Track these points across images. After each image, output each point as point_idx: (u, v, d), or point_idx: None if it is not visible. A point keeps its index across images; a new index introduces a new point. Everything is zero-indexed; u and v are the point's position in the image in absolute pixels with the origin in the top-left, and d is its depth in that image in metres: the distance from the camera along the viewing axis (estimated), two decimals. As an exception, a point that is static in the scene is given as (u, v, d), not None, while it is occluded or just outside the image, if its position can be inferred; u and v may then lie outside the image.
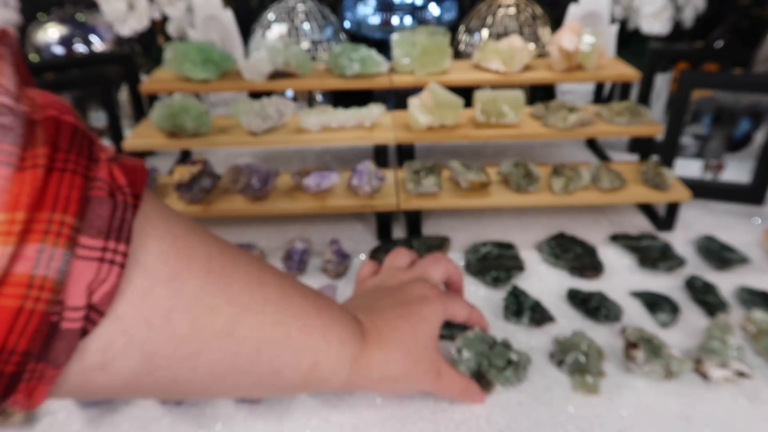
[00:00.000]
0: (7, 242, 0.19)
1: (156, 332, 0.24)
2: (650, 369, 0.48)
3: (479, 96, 0.74)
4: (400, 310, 0.39)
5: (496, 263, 0.64)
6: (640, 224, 0.73)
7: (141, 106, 0.88)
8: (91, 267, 0.21)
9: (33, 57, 1.05)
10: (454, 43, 1.02)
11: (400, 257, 0.47)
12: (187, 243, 0.26)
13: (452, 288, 0.49)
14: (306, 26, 0.99)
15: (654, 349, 0.49)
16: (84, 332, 0.22)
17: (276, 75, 0.81)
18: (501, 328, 0.56)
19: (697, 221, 0.73)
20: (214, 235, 0.30)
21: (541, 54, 0.97)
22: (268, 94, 0.84)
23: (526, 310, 0.56)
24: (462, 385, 0.42)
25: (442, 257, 0.46)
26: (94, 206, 0.22)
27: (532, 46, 0.84)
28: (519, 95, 0.73)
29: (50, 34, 1.06)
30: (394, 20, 1.07)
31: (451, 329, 0.54)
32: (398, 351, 0.37)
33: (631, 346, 0.50)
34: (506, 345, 0.51)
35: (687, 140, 0.86)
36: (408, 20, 1.07)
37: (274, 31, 0.98)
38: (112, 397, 0.27)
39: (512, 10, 0.98)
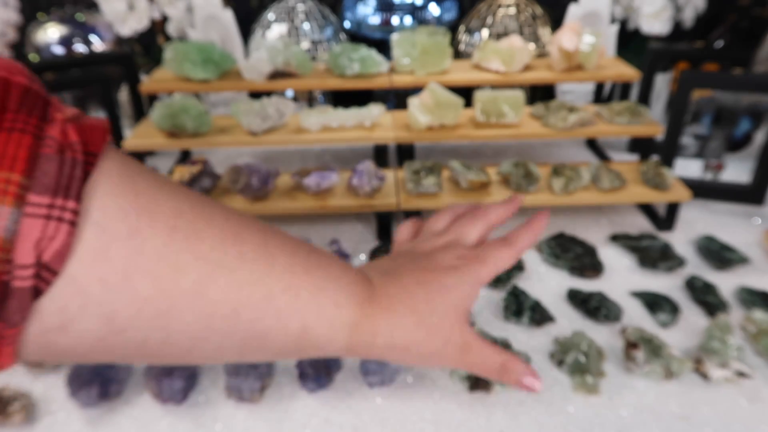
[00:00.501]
0: None
1: (114, 293, 0.24)
2: (650, 369, 0.48)
3: (479, 96, 0.74)
4: (420, 277, 0.35)
5: (496, 263, 0.64)
6: (640, 224, 0.73)
7: (141, 106, 0.88)
8: (38, 224, 0.21)
9: (33, 57, 1.05)
10: (454, 43, 1.02)
11: (440, 220, 0.42)
12: (152, 199, 0.25)
13: (501, 241, 0.40)
14: (306, 26, 0.99)
15: (654, 349, 0.49)
16: (37, 291, 0.22)
17: (276, 75, 0.81)
18: (501, 328, 0.56)
19: (698, 221, 0.73)
20: (191, 193, 0.28)
21: (541, 54, 0.97)
22: (268, 94, 0.84)
23: (526, 310, 0.56)
24: (498, 363, 0.36)
25: (481, 212, 0.41)
26: (42, 164, 0.22)
27: (532, 46, 0.84)
28: (519, 95, 0.73)
29: (50, 34, 1.06)
30: (394, 20, 1.07)
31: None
32: (407, 319, 0.33)
33: (631, 346, 0.50)
34: (506, 345, 0.51)
35: (687, 140, 0.86)
36: (408, 20, 1.07)
37: (274, 31, 0.98)
38: (85, 359, 0.26)
39: (512, 10, 0.98)
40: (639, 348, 0.49)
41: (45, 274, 0.22)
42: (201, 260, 0.26)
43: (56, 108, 0.24)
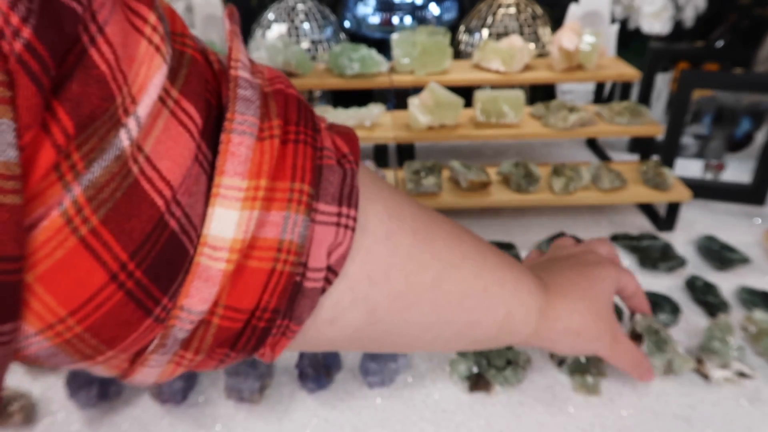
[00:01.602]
0: (254, 207, 0.21)
1: (377, 288, 0.26)
2: (652, 361, 0.47)
3: (479, 96, 0.74)
4: (577, 270, 0.39)
5: (496, 263, 0.64)
6: (641, 224, 0.73)
7: (141, 106, 0.88)
8: (330, 231, 0.23)
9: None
10: (454, 42, 1.02)
11: (565, 241, 0.48)
12: (396, 204, 0.28)
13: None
14: (306, 26, 0.99)
15: (659, 342, 0.48)
16: (323, 291, 0.24)
17: (276, 75, 0.81)
18: (501, 329, 0.56)
19: (698, 221, 0.72)
20: (412, 199, 0.31)
21: (542, 54, 0.97)
22: (268, 93, 0.83)
23: (526, 310, 0.56)
24: (636, 357, 0.41)
25: (606, 240, 0.46)
26: (327, 174, 0.23)
27: (532, 45, 0.84)
28: (519, 95, 0.73)
29: (50, 33, 1.05)
30: (394, 20, 1.07)
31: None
32: (580, 303, 0.37)
33: (635, 337, 0.49)
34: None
35: (687, 140, 0.86)
36: (408, 20, 1.07)
37: (273, 30, 0.98)
38: (334, 348, 0.29)
39: (512, 10, 0.98)
40: (643, 341, 0.48)
41: (330, 275, 0.24)
42: (437, 259, 0.29)
43: (319, 118, 0.26)
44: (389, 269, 0.26)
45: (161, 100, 0.19)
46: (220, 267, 0.20)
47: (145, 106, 0.18)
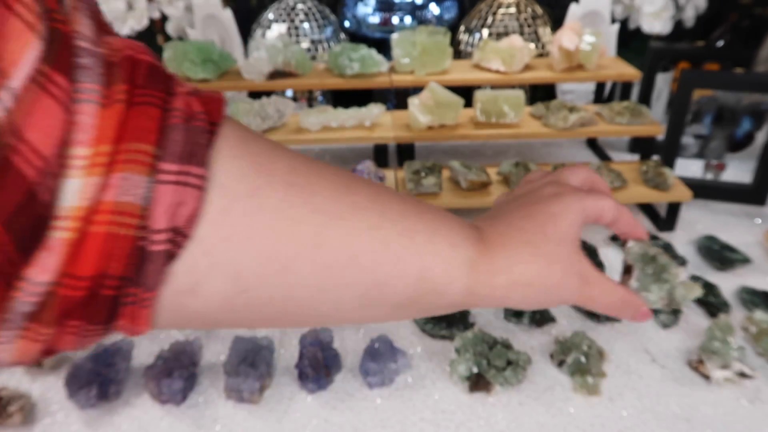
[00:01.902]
0: (94, 173, 0.21)
1: (240, 250, 0.25)
2: (647, 296, 0.37)
3: (479, 96, 0.74)
4: (525, 210, 0.34)
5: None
6: (641, 224, 0.73)
7: (140, 106, 0.88)
8: (170, 190, 0.22)
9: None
10: (454, 42, 1.01)
11: (534, 174, 0.41)
12: (268, 159, 0.26)
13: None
14: (306, 26, 0.99)
15: (656, 271, 0.38)
16: (171, 255, 0.23)
17: (276, 74, 0.81)
18: (501, 328, 0.56)
19: (698, 221, 0.72)
20: (303, 155, 0.29)
21: (542, 54, 0.97)
22: (268, 93, 0.83)
23: (526, 310, 0.56)
24: (619, 297, 0.35)
25: (583, 167, 0.39)
26: (172, 134, 0.23)
27: (532, 45, 0.84)
28: (519, 95, 0.73)
29: (50, 33, 1.05)
30: (394, 20, 1.07)
31: (450, 329, 0.54)
32: (523, 250, 0.31)
33: (627, 271, 0.39)
34: (506, 345, 0.51)
35: (688, 140, 0.86)
36: (408, 20, 1.07)
37: (273, 30, 0.98)
38: (215, 323, 0.27)
39: (512, 10, 0.98)
40: (631, 274, 0.38)
41: (178, 238, 0.23)
42: (317, 212, 0.26)
43: (177, 83, 0.25)
44: (253, 229, 0.24)
45: (34, 74, 0.19)
46: (61, 236, 0.20)
47: (17, 79, 0.19)
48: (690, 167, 0.81)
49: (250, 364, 0.49)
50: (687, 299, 0.37)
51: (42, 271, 0.20)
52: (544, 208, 0.33)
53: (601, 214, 0.35)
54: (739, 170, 0.80)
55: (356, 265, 0.27)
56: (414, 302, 0.30)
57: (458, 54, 1.01)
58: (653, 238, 0.67)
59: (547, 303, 0.33)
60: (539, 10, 1.00)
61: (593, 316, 0.56)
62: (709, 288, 0.59)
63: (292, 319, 0.29)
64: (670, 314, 0.56)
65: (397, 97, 0.83)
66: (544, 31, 0.98)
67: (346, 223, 0.27)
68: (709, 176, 0.79)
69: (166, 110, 0.23)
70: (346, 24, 1.11)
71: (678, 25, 1.05)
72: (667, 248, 0.66)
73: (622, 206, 0.36)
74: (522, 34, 0.97)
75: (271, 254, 0.25)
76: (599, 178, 0.39)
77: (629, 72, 0.82)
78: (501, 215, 0.34)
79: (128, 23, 1.03)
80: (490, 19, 0.98)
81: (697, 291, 0.37)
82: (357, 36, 1.10)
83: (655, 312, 0.56)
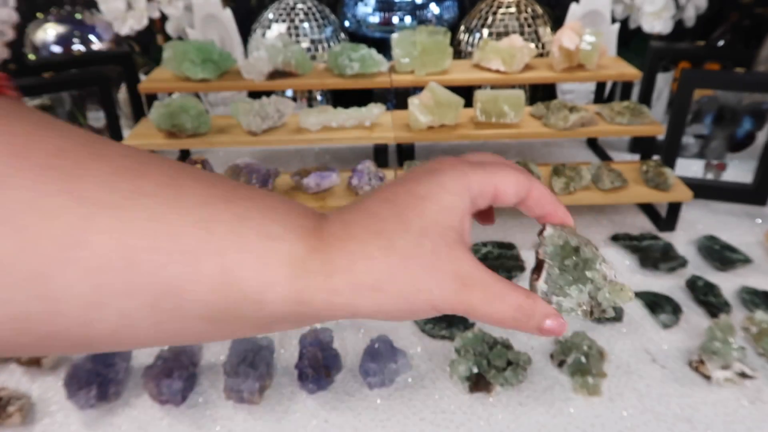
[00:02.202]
0: None
1: None
2: (560, 301, 0.28)
3: (479, 96, 0.74)
4: (385, 194, 0.26)
5: (496, 263, 0.63)
6: (641, 224, 0.73)
7: (140, 106, 0.88)
8: None
9: (31, 56, 1.05)
10: (454, 42, 1.01)
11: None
12: (30, 140, 0.21)
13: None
14: (306, 26, 0.99)
15: (576, 267, 0.28)
16: None
17: (275, 74, 0.81)
18: (501, 329, 0.55)
19: (699, 221, 0.72)
20: (89, 133, 0.23)
21: (542, 54, 0.97)
22: (268, 93, 0.83)
23: (526, 310, 0.56)
24: (511, 303, 0.25)
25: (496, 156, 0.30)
26: None
27: (532, 45, 0.84)
28: (519, 95, 0.73)
29: (49, 33, 1.05)
30: (394, 20, 1.07)
31: (450, 329, 0.54)
32: (371, 244, 0.24)
33: (536, 267, 0.29)
34: (506, 345, 0.51)
35: (688, 140, 0.86)
36: (408, 20, 1.07)
37: (273, 30, 0.98)
38: None
39: (513, 10, 0.98)
40: (540, 272, 0.28)
41: None
42: (78, 200, 0.20)
43: None
44: None
45: None
46: None
47: None
48: (690, 167, 0.81)
49: (250, 365, 0.49)
50: (613, 304, 0.28)
51: None
52: (411, 188, 0.26)
53: (500, 189, 0.27)
54: (739, 170, 0.80)
55: (134, 267, 0.21)
56: (229, 314, 0.23)
57: (458, 54, 1.01)
58: (653, 238, 0.67)
59: (410, 313, 0.25)
60: (539, 10, 0.99)
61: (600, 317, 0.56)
62: (710, 288, 0.59)
63: (71, 345, 0.23)
64: (671, 314, 0.56)
65: (397, 97, 0.83)
66: (545, 31, 0.98)
67: (119, 213, 0.21)
68: (710, 176, 0.79)
69: None
70: (346, 24, 1.10)
71: (678, 24, 1.04)
72: (668, 248, 0.66)
73: (535, 180, 0.28)
74: (522, 33, 0.97)
75: (16, 258, 0.20)
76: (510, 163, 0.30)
77: (630, 72, 0.81)
78: (361, 200, 0.27)
79: (128, 23, 1.02)
80: (490, 19, 0.98)
81: (627, 295, 0.28)
82: (357, 36, 1.09)
83: (656, 312, 0.56)
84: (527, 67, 0.83)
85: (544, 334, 0.27)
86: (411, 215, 0.25)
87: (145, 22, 1.05)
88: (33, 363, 0.51)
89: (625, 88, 0.88)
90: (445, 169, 0.26)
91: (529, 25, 0.97)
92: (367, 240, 0.24)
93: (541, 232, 0.29)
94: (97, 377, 0.47)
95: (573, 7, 0.97)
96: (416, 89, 0.80)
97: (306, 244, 0.24)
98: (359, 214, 0.25)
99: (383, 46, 0.94)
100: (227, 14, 1.00)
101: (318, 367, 0.49)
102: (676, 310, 0.56)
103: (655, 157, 0.80)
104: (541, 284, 0.28)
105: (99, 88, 0.80)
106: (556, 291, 0.28)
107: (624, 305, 0.31)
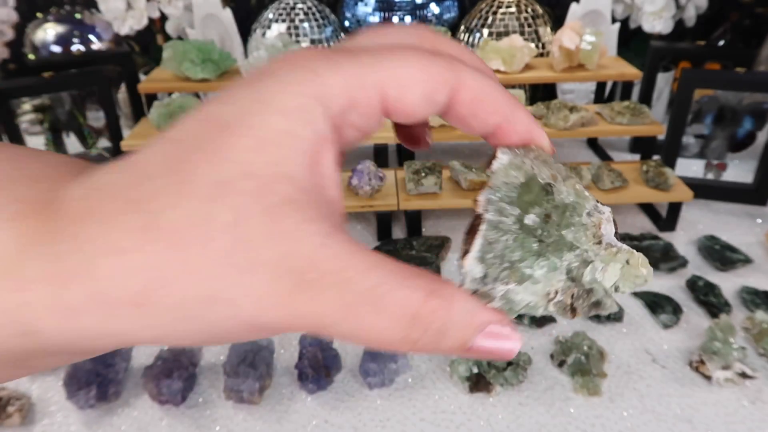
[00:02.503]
0: None
1: None
2: (505, 295, 0.15)
3: (480, 95, 0.74)
4: (183, 124, 0.15)
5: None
6: (642, 224, 0.73)
7: (140, 106, 0.88)
8: None
9: (31, 56, 1.05)
10: (455, 42, 1.01)
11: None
12: None
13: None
14: (305, 25, 0.99)
15: (555, 218, 0.16)
16: None
17: (276, 74, 0.81)
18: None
19: (699, 221, 0.72)
20: None
21: (542, 53, 0.97)
22: (268, 93, 0.83)
23: (526, 310, 0.56)
24: (396, 309, 0.14)
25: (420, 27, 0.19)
26: None
27: (532, 45, 0.84)
28: (519, 95, 0.73)
29: (48, 33, 1.05)
30: (394, 19, 1.06)
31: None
32: (123, 224, 0.13)
33: (470, 229, 0.16)
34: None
35: (689, 140, 0.86)
36: (408, 19, 1.07)
37: (273, 30, 0.98)
38: None
39: (513, 9, 0.98)
40: (474, 235, 0.16)
41: None
42: None
43: None
44: None
45: None
46: None
47: None
48: (691, 167, 0.81)
49: (250, 365, 0.49)
50: (613, 290, 0.16)
51: None
52: (213, 110, 0.15)
53: (390, 92, 0.16)
54: (740, 170, 0.80)
55: None
56: None
57: (458, 53, 1.01)
58: (654, 238, 0.67)
59: (212, 336, 0.14)
60: (539, 10, 0.99)
61: (594, 316, 0.56)
62: (710, 288, 0.59)
63: None
64: (671, 314, 0.56)
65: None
66: (545, 31, 0.98)
67: None
68: (710, 176, 0.79)
69: None
70: (346, 24, 1.10)
71: (679, 24, 1.04)
72: (668, 248, 0.65)
73: (470, 69, 0.17)
74: (522, 33, 0.97)
75: None
76: (446, 40, 0.19)
77: (630, 72, 0.81)
78: (146, 144, 0.15)
79: (128, 23, 1.02)
80: (490, 19, 0.98)
81: (641, 273, 0.16)
82: (357, 35, 1.09)
83: (657, 312, 0.56)
84: (527, 67, 0.83)
85: (477, 357, 0.15)
86: (199, 162, 0.14)
87: (144, 22, 1.05)
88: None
89: (626, 88, 0.88)
90: (281, 68, 0.15)
91: (529, 25, 0.97)
92: (117, 218, 0.13)
93: (489, 164, 0.17)
94: (97, 377, 0.47)
95: (573, 7, 0.97)
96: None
97: (23, 231, 0.14)
98: (121, 170, 0.14)
99: (383, 46, 0.94)
100: (227, 14, 1.00)
101: (318, 367, 0.49)
102: (676, 310, 0.56)
103: (656, 157, 0.80)
104: (472, 264, 0.15)
105: (99, 88, 0.80)
106: (502, 274, 0.15)
107: (638, 288, 0.17)
